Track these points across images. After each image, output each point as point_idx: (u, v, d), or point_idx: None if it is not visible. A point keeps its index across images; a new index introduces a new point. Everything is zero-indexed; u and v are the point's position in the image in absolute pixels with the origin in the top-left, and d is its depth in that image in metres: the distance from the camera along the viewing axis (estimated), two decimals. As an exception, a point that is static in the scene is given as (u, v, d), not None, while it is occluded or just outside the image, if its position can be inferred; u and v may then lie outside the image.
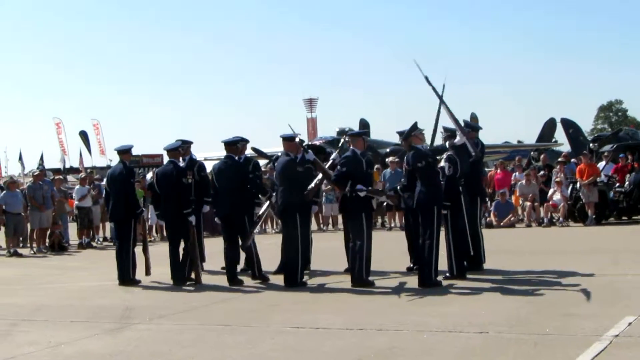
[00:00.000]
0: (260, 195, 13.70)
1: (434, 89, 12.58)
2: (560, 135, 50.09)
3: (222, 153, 13.73)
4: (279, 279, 12.59)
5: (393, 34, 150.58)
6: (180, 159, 13.89)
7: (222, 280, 12.98)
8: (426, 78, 12.41)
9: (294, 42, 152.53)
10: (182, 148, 14.02)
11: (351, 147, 12.47)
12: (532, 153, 33.28)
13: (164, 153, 14.56)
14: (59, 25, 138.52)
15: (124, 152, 14.11)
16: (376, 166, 23.99)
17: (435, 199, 11.82)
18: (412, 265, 12.92)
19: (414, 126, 12.29)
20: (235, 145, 13.40)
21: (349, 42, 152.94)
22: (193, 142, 14.98)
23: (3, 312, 11.07)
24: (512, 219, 22.95)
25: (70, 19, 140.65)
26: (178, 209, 13.26)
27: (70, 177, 38.12)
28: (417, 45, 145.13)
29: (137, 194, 13.84)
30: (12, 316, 10.72)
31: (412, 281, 11.88)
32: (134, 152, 14.23)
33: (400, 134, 13.01)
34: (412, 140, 12.13)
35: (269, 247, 15.49)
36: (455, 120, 12.47)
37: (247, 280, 12.90)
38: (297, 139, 13.03)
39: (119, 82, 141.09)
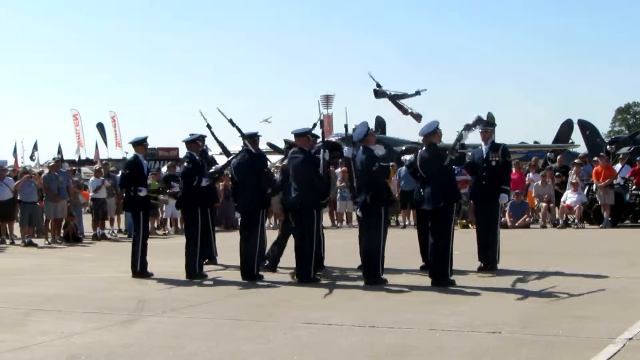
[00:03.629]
0: None
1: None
2: (577, 136, 49.83)
3: (236, 147, 13.72)
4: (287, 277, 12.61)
5: (410, 33, 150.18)
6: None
7: (236, 275, 12.99)
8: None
9: (312, 39, 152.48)
10: (200, 141, 13.99)
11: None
12: (548, 154, 33.18)
13: (180, 147, 14.55)
14: (78, 18, 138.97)
15: (136, 144, 14.10)
16: (391, 163, 23.98)
17: (450, 198, 11.83)
18: (425, 264, 12.88)
19: (437, 123, 12.31)
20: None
21: (366, 40, 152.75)
22: (207, 136, 14.91)
23: (17, 302, 11.10)
24: (527, 219, 22.90)
25: (88, 13, 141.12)
26: (190, 202, 13.33)
27: (85, 169, 38.20)
28: (434, 44, 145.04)
29: (152, 186, 13.84)
30: (25, 306, 10.75)
31: (425, 280, 11.87)
32: (151, 144, 14.25)
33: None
34: (435, 138, 12.11)
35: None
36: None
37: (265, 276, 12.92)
38: (309, 135, 12.98)
39: (137, 74, 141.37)
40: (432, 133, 12.12)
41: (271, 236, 14.01)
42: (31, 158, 53.53)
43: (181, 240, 13.96)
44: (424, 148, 12.21)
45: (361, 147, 12.33)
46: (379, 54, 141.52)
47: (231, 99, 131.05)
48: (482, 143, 13.48)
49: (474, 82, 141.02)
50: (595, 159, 24.48)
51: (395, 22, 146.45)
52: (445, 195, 11.78)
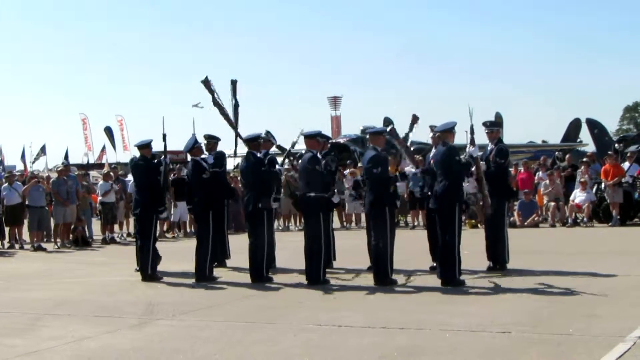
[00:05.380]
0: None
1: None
2: (585, 135, 49.81)
3: (245, 150, 13.74)
4: (301, 278, 12.60)
5: (417, 33, 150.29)
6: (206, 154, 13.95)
7: (246, 277, 12.99)
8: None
9: (319, 40, 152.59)
10: (208, 143, 14.02)
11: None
12: (556, 153, 33.13)
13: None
14: (85, 24, 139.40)
15: (143, 147, 14.13)
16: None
17: (456, 198, 11.83)
18: (434, 265, 12.86)
19: (455, 124, 12.31)
20: (255, 141, 13.49)
21: (373, 40, 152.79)
22: (220, 139, 15.02)
23: (27, 307, 11.12)
24: (536, 218, 22.85)
25: (96, 18, 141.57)
26: (200, 205, 13.34)
27: (94, 173, 38.21)
28: (440, 44, 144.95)
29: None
30: (35, 310, 10.77)
31: (435, 280, 11.85)
32: (159, 148, 14.29)
33: (433, 128, 13.01)
34: (449, 136, 12.12)
35: (290, 244, 15.55)
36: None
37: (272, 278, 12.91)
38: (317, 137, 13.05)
39: (144, 78, 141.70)
40: (448, 131, 12.14)
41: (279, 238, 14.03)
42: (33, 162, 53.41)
43: (191, 244, 13.97)
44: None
45: (369, 148, 12.37)
46: (385, 54, 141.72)
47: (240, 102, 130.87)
48: (489, 143, 13.48)
49: (482, 81, 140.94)
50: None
51: (400, 22, 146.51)
52: (452, 195, 11.88)
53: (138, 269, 14.04)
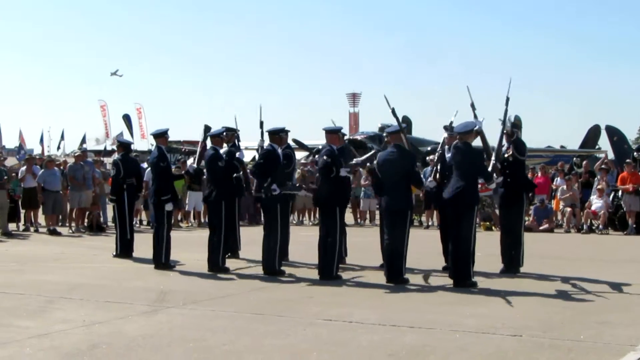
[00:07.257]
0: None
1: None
2: (604, 142, 49.51)
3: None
4: (313, 272, 12.61)
5: (440, 32, 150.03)
6: (225, 145, 14.02)
7: (258, 269, 13.01)
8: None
9: (339, 37, 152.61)
10: (226, 135, 14.13)
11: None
12: (574, 159, 32.99)
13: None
14: (106, 11, 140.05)
15: (158, 135, 14.25)
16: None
17: (474, 198, 11.79)
18: (447, 265, 12.84)
19: (475, 124, 12.28)
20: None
21: (394, 38, 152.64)
22: (239, 130, 15.18)
23: (40, 289, 11.18)
24: (550, 224, 22.77)
25: (116, 6, 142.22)
26: (213, 194, 13.41)
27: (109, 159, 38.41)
28: (463, 44, 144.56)
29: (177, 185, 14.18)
30: (48, 293, 10.83)
31: (447, 280, 11.83)
32: (176, 137, 14.48)
33: (447, 128, 12.98)
34: (470, 137, 12.05)
35: (304, 238, 15.55)
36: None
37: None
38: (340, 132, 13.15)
39: (164, 67, 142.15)
40: (469, 132, 12.06)
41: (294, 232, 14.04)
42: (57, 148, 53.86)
43: (204, 233, 14.01)
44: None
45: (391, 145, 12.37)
46: (405, 52, 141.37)
47: (256, 92, 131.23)
48: (505, 144, 13.40)
49: (502, 84, 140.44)
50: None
51: (422, 20, 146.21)
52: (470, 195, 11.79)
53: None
